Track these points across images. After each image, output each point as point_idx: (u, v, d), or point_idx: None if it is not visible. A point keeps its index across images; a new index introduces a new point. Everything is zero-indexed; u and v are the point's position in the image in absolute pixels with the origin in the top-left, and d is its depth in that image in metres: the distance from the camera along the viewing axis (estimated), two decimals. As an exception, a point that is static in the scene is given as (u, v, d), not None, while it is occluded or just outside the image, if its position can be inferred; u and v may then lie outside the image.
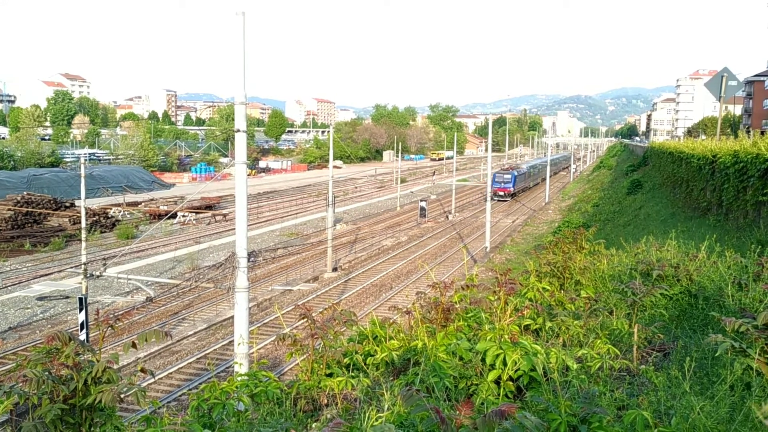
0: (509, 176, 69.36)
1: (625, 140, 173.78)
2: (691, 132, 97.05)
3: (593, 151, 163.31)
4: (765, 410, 1.24)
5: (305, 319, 6.00)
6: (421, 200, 56.24)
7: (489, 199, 41.88)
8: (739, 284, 6.93)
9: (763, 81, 79.33)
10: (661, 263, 8.52)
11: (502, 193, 68.48)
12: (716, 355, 4.60)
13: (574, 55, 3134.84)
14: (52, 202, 46.08)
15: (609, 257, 11.01)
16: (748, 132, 18.86)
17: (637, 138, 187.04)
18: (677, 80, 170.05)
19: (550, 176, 77.77)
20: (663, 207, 27.54)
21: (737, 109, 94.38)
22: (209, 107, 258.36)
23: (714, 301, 7.18)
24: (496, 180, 68.15)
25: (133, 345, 4.87)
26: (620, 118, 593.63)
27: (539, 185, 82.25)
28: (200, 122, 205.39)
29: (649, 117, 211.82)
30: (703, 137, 49.34)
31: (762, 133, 19.09)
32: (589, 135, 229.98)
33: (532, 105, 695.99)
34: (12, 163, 74.08)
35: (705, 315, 6.90)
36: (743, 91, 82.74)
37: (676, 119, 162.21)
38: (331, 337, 6.03)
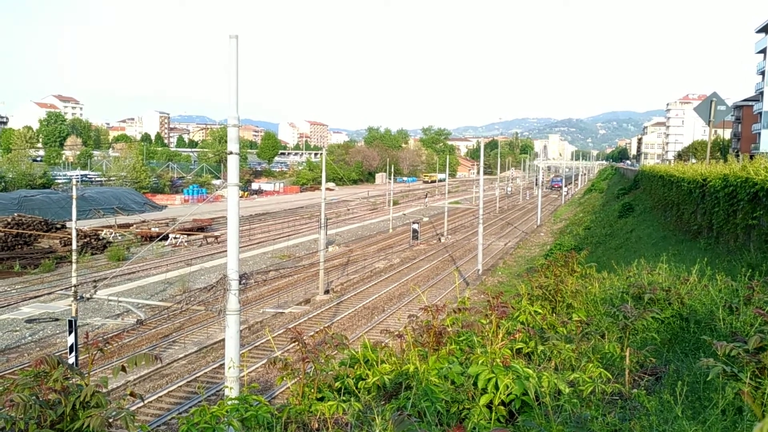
0: (560, 179, 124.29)
1: (616, 163, 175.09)
2: (681, 155, 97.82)
3: (584, 174, 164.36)
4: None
5: (296, 343, 5.97)
6: (414, 222, 56.23)
7: (481, 221, 42.03)
8: (730, 308, 6.94)
9: (752, 106, 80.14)
10: (653, 286, 8.54)
11: (557, 186, 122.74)
12: (708, 379, 4.59)
13: (565, 79, 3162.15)
14: (43, 223, 45.84)
15: (600, 280, 11.03)
16: (737, 156, 19.03)
17: (628, 161, 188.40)
18: (667, 104, 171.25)
19: (543, 196, 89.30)
20: (654, 230, 27.64)
21: (726, 133, 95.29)
22: (202, 129, 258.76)
23: (705, 324, 7.19)
24: (554, 180, 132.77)
25: (123, 368, 4.83)
26: (611, 142, 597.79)
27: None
28: (193, 144, 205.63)
29: (639, 140, 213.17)
30: (694, 161, 49.72)
31: (751, 157, 19.25)
32: (581, 158, 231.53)
33: (523, 128, 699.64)
34: (3, 184, 73.78)
35: (696, 339, 6.90)
36: (732, 115, 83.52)
37: (667, 143, 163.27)
38: (323, 361, 5.99)
